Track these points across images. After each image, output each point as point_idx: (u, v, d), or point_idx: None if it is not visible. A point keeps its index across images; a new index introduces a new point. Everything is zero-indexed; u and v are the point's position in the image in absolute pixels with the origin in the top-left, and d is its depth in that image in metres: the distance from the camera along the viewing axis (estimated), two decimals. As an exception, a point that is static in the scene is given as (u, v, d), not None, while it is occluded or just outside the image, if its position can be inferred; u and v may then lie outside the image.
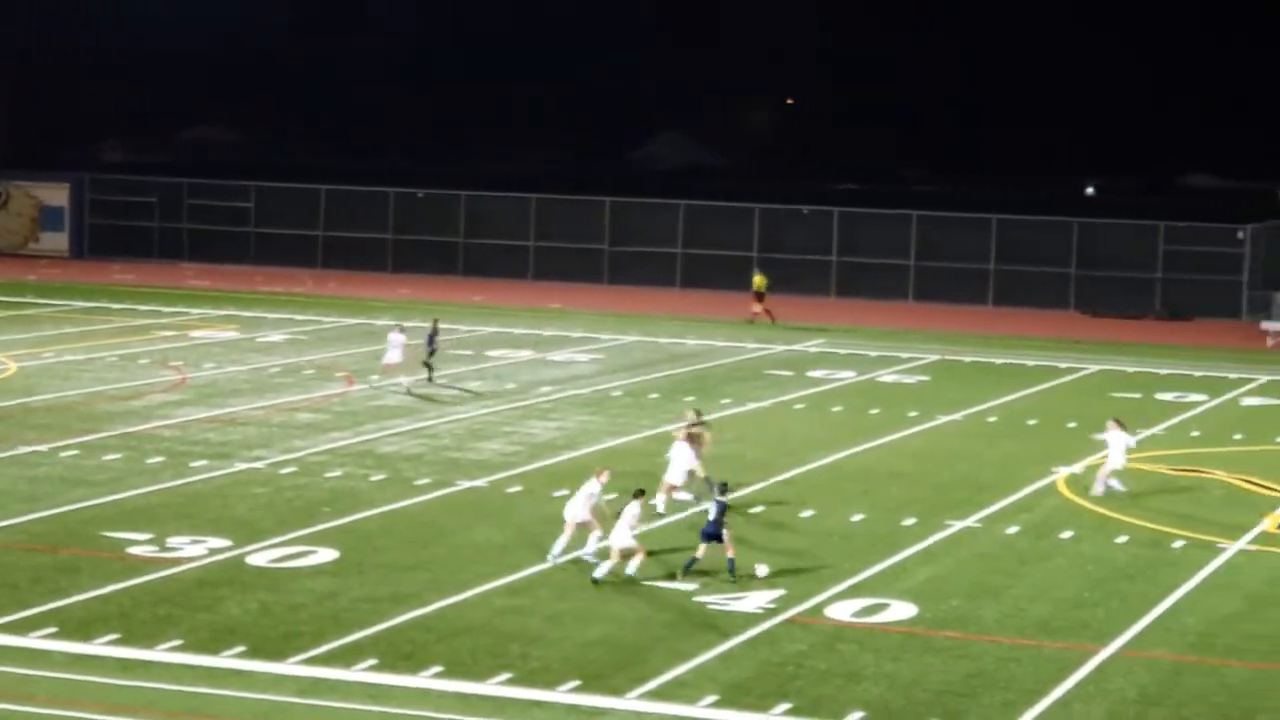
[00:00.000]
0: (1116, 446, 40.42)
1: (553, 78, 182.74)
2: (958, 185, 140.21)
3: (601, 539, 33.22)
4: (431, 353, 54.99)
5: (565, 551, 33.44)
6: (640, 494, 33.19)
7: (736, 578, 32.51)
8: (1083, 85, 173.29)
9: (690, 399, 53.03)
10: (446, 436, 46.31)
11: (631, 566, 32.48)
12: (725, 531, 32.71)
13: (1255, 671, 28.25)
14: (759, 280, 74.41)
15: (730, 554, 32.72)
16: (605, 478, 33.99)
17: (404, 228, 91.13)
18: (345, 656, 27.77)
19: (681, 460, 38.07)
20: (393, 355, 53.22)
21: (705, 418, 41.92)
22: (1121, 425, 40.91)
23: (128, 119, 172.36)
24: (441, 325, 57.80)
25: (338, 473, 41.30)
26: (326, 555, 33.75)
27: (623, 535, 32.36)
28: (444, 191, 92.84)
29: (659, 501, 37.79)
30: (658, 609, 30.75)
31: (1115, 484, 40.54)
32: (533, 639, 28.91)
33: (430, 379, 54.48)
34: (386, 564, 33.28)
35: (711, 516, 32.82)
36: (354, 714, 25.47)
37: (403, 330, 54.66)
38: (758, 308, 73.52)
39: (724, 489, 33.52)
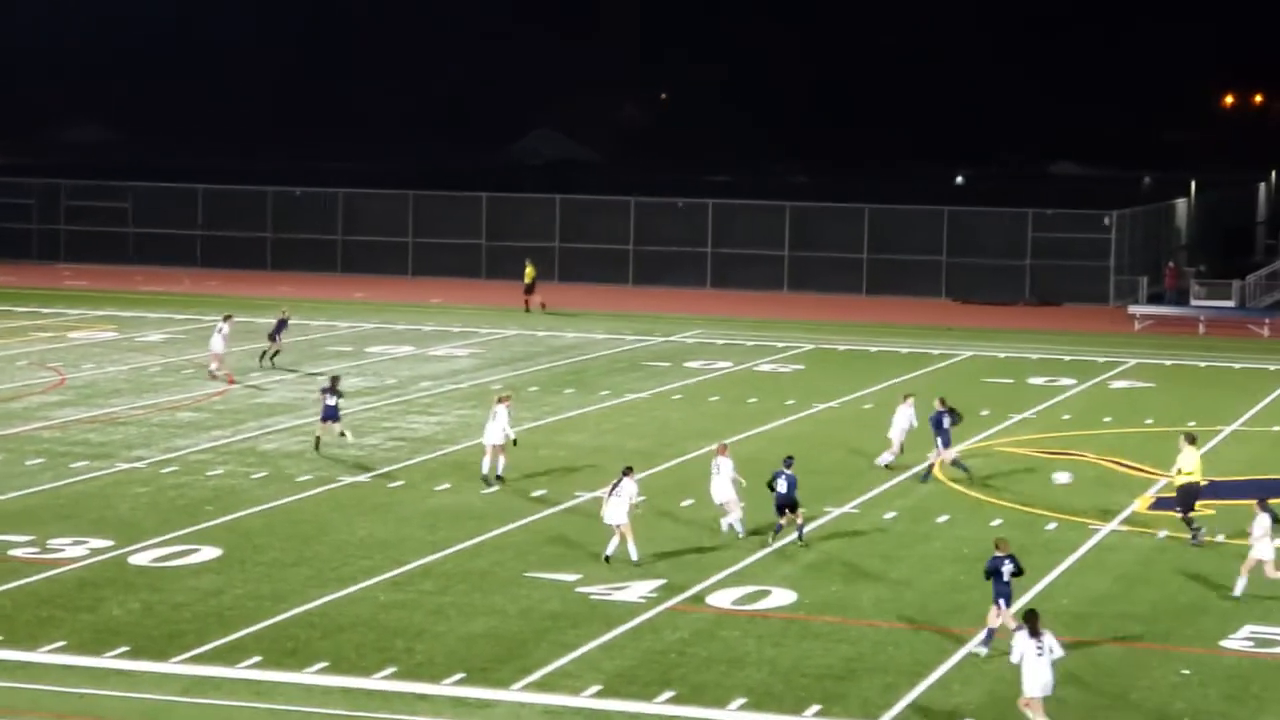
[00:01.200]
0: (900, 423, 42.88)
1: (425, 74, 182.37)
2: (830, 176, 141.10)
3: (741, 512, 35.64)
4: (272, 340, 56.92)
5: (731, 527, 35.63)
6: (629, 471, 34.02)
7: (807, 543, 34.87)
8: (952, 76, 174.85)
9: (570, 391, 53.34)
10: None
11: (632, 550, 33.33)
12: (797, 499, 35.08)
13: (1128, 650, 28.85)
14: (529, 272, 75.17)
15: (800, 521, 35.00)
16: (728, 453, 35.97)
17: (282, 226, 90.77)
18: (229, 654, 27.83)
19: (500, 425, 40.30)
20: (215, 343, 54.71)
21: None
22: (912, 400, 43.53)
23: (1, 120, 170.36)
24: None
25: (219, 471, 41.25)
26: (209, 553, 33.75)
27: (620, 513, 33.26)
28: (322, 189, 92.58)
29: (496, 463, 40.27)
30: (540, 600, 31.00)
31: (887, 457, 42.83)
32: (417, 633, 29.09)
33: (259, 363, 56.60)
34: (269, 561, 33.33)
35: (783, 489, 34.80)
36: (239, 711, 25.56)
37: (227, 320, 55.85)
38: (531, 298, 74.43)
39: (789, 462, 35.49)
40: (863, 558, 34.36)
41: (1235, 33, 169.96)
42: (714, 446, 43.32)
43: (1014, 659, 24.97)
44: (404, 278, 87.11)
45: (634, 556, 33.29)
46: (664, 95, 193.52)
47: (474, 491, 39.47)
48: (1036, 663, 24.69)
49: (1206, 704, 26.36)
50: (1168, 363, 62.37)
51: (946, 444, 41.12)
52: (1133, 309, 75.63)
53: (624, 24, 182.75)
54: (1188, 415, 50.85)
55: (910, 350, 64.01)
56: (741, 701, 26.13)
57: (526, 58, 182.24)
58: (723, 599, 31.27)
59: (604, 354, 62.24)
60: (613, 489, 33.53)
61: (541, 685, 26.73)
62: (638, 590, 31.63)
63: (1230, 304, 76.79)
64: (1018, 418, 49.95)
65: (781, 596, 31.43)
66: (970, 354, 63.39)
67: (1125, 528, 37.29)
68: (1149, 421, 50.11)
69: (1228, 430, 48.87)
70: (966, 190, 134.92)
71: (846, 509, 38.37)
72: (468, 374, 56.97)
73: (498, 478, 40.14)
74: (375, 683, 26.72)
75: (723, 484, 35.76)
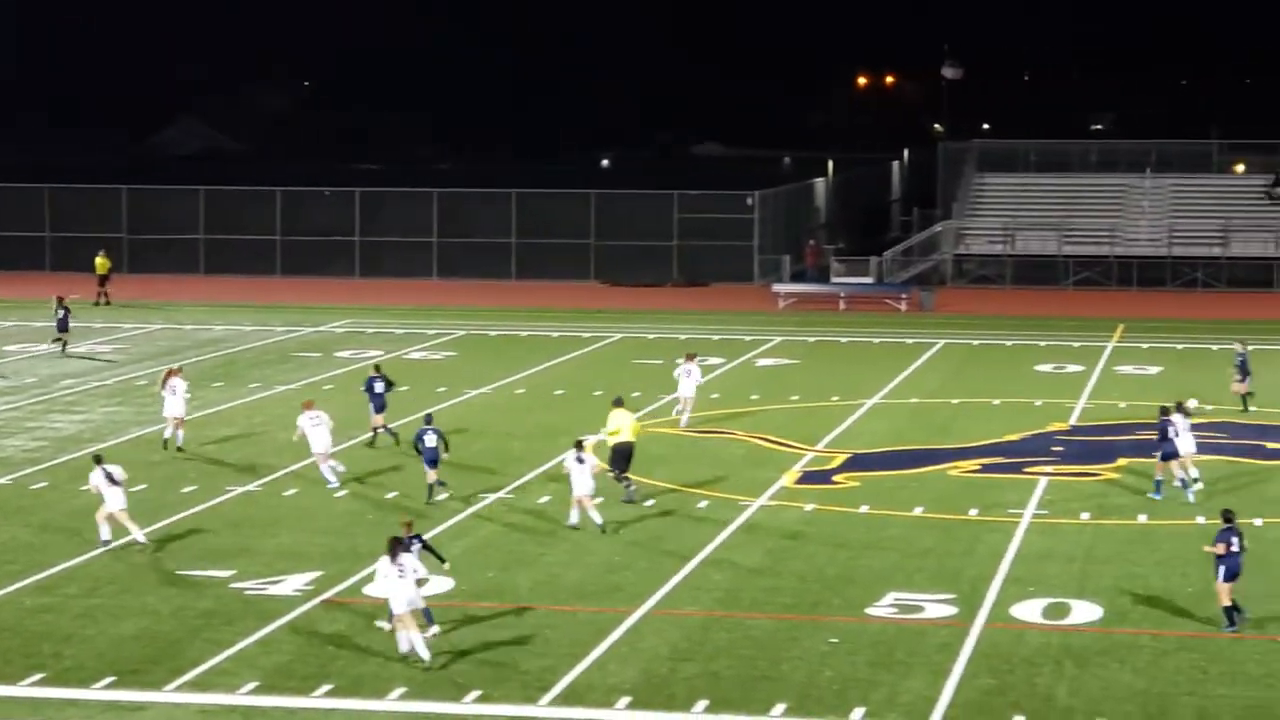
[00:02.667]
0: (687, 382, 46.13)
1: (57, 64, 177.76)
2: (476, 162, 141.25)
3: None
4: (62, 329, 59.19)
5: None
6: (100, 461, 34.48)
7: (436, 503, 37.17)
8: (590, 60, 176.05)
9: (219, 385, 52.63)
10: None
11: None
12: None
13: (778, 623, 29.45)
14: (101, 263, 74.46)
15: (434, 478, 37.43)
16: (315, 407, 39.86)
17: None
18: None
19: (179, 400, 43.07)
20: None
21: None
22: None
23: None
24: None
25: None
26: None
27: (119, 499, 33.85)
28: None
29: (176, 435, 42.83)
30: (193, 598, 30.55)
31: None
32: (65, 637, 28.45)
33: (59, 349, 58.86)
34: (-93, 570, 32.30)
35: (432, 443, 37.21)
36: (-120, 726, 24.76)
37: None
38: (102, 289, 73.74)
39: (430, 418, 38.46)
40: (519, 543, 34.53)
41: (868, 15, 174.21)
42: (366, 436, 43.32)
43: (378, 581, 27.53)
44: (41, 273, 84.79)
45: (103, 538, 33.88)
46: (306, 83, 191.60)
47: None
48: (399, 583, 27.09)
49: (854, 671, 27.02)
50: (811, 339, 63.79)
51: (379, 409, 43.36)
52: (776, 287, 77.15)
53: (265, 9, 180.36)
54: (831, 390, 52.09)
55: (561, 334, 64.45)
56: (401, 691, 26.09)
57: (168, 45, 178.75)
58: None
59: (253, 346, 61.52)
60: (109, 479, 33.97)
61: (196, 684, 26.35)
62: (293, 584, 31.37)
63: (868, 280, 78.86)
64: (668, 398, 50.59)
65: (439, 584, 31.38)
66: (620, 336, 64.06)
67: (774, 502, 38.05)
68: (795, 398, 51.20)
69: (869, 403, 50.15)
70: (612, 173, 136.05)
71: (501, 494, 38.50)
72: (112, 370, 55.82)
73: (178, 449, 42.28)
74: (22, 690, 26.07)
75: (320, 434, 38.71)
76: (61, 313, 59.49)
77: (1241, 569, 29.07)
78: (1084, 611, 29.94)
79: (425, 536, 34.30)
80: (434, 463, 37.49)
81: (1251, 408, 48.27)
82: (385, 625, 28.09)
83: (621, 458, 37.75)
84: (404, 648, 27.22)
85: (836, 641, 28.35)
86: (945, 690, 26.16)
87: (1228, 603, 28.89)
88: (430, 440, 37.38)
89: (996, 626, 29.10)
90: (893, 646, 28.13)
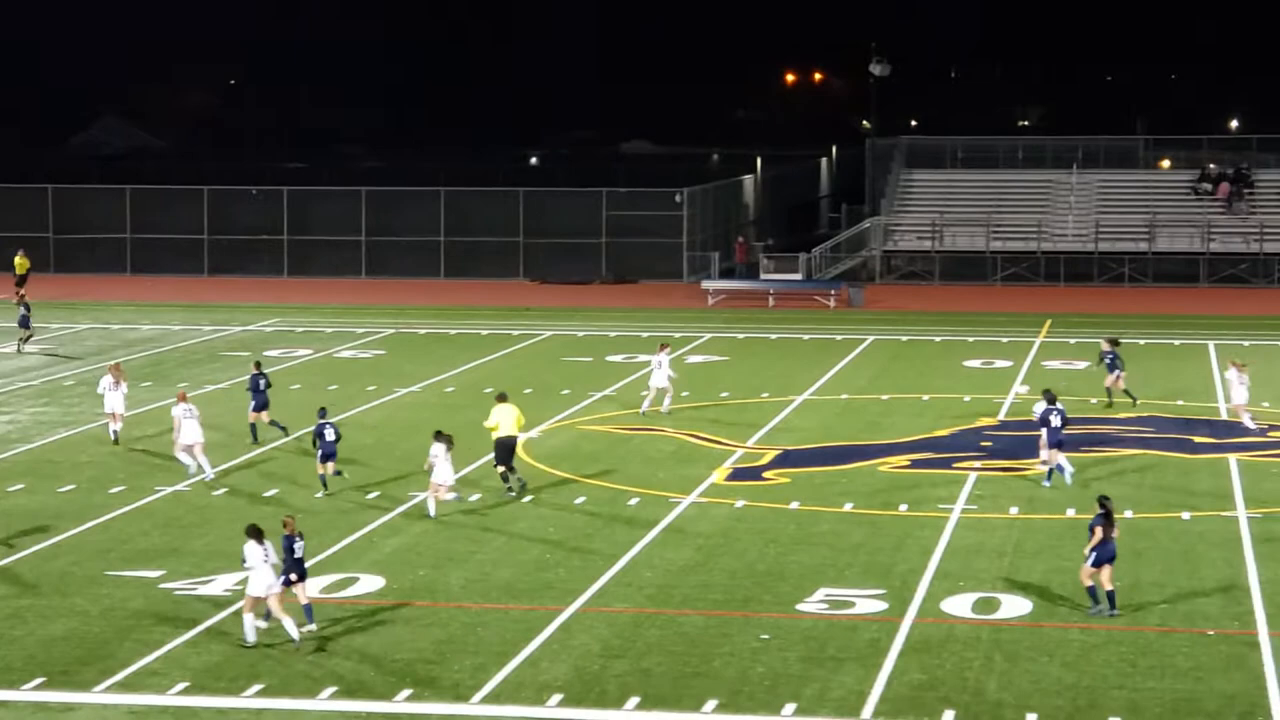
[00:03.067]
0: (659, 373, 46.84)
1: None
2: (404, 159, 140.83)
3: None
4: (24, 328, 59.39)
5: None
6: None
7: (333, 492, 37.90)
8: (520, 56, 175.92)
9: (147, 384, 52.36)
10: None
11: None
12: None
13: (710, 619, 29.49)
14: (20, 263, 74.01)
15: (333, 470, 38.03)
16: (185, 400, 39.92)
17: None
18: None
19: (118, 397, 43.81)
20: None
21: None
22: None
23: None
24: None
25: None
26: None
27: None
28: None
29: (114, 432, 43.64)
30: (123, 599, 30.38)
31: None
32: (-6, 639, 28.31)
33: (18, 349, 58.84)
34: None
35: (331, 437, 37.79)
36: None
37: None
38: (20, 290, 73.31)
39: (325, 412, 39.06)
40: (450, 541, 34.49)
41: (795, 12, 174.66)
42: (295, 435, 43.16)
43: (247, 564, 27.90)
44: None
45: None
46: (233, 81, 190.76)
47: (50, 491, 38.48)
48: (264, 567, 27.82)
49: (786, 667, 27.08)
50: (740, 336, 63.92)
51: (261, 407, 43.62)
52: (706, 284, 77.30)
53: (187, 6, 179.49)
54: (761, 386, 52.21)
55: (490, 332, 64.40)
56: (332, 690, 26.02)
57: (88, 41, 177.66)
58: (310, 587, 30.92)
59: (181, 345, 61.23)
60: None
61: (126, 685, 26.22)
62: (222, 584, 31.24)
63: (797, 277, 79.15)
64: (598, 395, 50.66)
65: (369, 583, 31.36)
66: (549, 333, 64.04)
67: (704, 499, 38.10)
68: (725, 395, 51.29)
69: (799, 399, 50.29)
70: (541, 170, 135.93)
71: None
72: (39, 370, 55.46)
73: (115, 441, 43.06)
74: (-50, 693, 25.91)
75: (191, 426, 39.13)
76: (22, 310, 59.73)
77: (1115, 554, 29.38)
78: (1013, 605, 30.11)
79: (348, 539, 34.30)
80: (333, 456, 38.02)
81: (1118, 400, 48.47)
82: (306, 627, 28.12)
83: (503, 451, 38.12)
84: (252, 637, 27.84)
85: (768, 638, 28.40)
86: (876, 685, 26.26)
87: (1089, 584, 29.24)
88: (330, 434, 37.94)
89: (927, 621, 29.23)
90: (824, 642, 28.20)
